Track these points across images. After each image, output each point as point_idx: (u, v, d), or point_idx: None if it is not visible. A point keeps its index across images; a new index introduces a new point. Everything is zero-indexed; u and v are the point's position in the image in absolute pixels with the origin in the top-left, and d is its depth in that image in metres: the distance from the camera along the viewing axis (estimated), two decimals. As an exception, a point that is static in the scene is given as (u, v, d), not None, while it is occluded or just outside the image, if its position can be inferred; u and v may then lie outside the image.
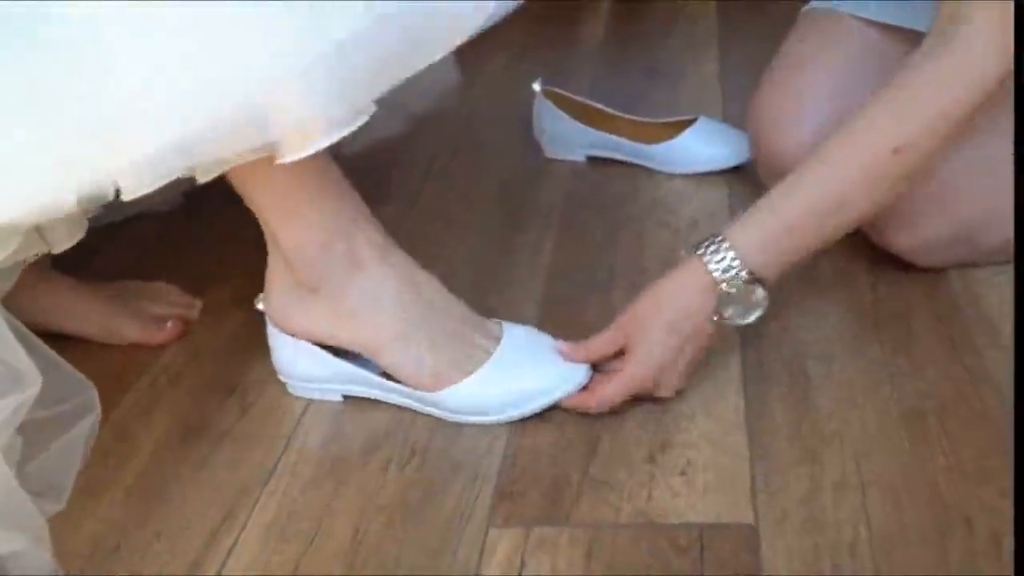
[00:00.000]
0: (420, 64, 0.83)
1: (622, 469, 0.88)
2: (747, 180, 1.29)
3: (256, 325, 1.11)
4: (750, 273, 0.90)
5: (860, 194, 0.91)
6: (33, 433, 0.83)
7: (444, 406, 0.94)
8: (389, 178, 1.38)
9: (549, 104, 1.37)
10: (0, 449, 0.77)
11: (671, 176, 1.33)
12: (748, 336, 1.02)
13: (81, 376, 0.87)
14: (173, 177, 0.79)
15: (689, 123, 1.34)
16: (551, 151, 1.39)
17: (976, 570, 0.76)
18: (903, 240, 1.06)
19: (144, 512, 0.89)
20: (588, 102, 1.38)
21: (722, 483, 0.86)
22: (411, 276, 0.95)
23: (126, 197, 0.79)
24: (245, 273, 1.19)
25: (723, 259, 0.89)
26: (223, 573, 0.82)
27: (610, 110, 1.38)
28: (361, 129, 0.81)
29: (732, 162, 1.31)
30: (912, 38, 1.14)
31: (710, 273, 0.90)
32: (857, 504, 0.83)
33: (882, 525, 0.81)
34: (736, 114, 1.37)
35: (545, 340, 0.97)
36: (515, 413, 0.93)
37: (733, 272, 0.89)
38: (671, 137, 1.33)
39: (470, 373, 0.93)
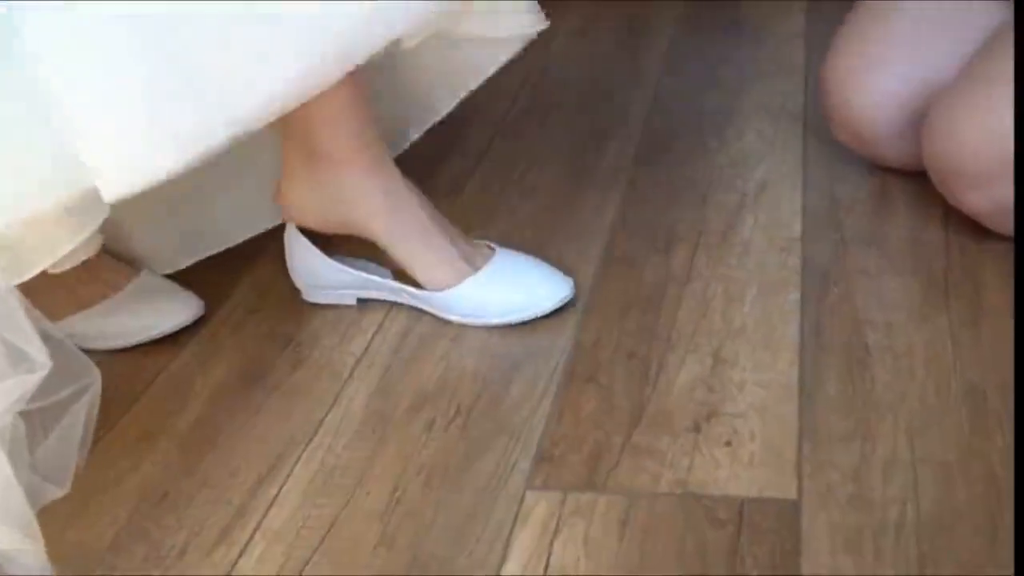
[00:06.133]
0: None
1: (666, 437, 0.87)
2: (823, 139, 1.25)
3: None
4: None
5: None
6: (41, 417, 0.82)
7: (446, 307, 1.01)
8: (457, 134, 1.37)
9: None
10: None
11: (740, 137, 1.29)
12: (808, 301, 0.99)
13: (85, 357, 0.86)
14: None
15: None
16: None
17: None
18: (974, 200, 1.02)
19: (194, 460, 0.90)
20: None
21: (767, 456, 0.84)
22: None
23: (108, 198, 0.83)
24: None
25: None
26: (263, 524, 0.83)
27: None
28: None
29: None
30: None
31: None
32: (907, 483, 0.80)
33: (931, 506, 0.78)
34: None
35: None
36: (515, 317, 1.00)
37: None
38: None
39: (473, 273, 1.00)
